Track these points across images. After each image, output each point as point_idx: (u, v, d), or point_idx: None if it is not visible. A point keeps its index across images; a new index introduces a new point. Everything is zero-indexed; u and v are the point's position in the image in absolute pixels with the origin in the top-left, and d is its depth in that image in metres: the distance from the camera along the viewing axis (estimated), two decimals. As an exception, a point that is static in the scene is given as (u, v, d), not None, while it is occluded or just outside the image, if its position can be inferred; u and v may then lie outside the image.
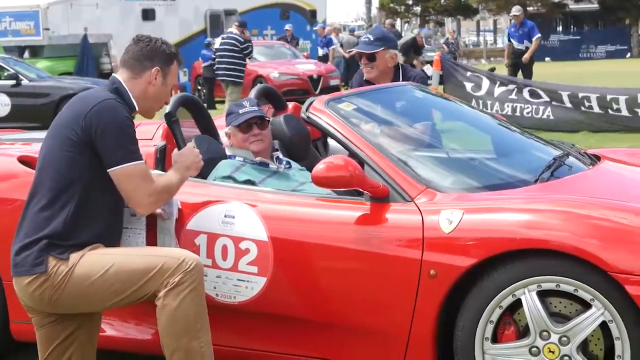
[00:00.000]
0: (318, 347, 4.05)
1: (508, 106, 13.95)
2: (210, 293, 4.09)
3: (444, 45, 33.60)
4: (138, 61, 3.92)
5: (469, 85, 14.28)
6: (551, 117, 13.59)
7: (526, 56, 16.09)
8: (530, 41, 16.20)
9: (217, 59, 16.04)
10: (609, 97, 13.32)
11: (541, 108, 13.73)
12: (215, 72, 16.33)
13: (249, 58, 16.54)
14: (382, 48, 5.78)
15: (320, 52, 26.41)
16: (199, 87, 23.94)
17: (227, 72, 15.68)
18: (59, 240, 3.72)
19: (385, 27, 27.27)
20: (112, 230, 3.92)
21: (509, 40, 16.83)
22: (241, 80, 15.82)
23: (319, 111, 4.32)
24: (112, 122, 3.70)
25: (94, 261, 3.71)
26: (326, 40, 26.20)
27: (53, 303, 3.74)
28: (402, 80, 5.77)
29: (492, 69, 18.63)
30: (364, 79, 5.93)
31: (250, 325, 4.17)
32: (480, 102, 13.98)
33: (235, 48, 15.65)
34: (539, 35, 16.65)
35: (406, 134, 4.63)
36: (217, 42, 16.42)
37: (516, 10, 16.69)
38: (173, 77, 4.01)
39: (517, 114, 13.76)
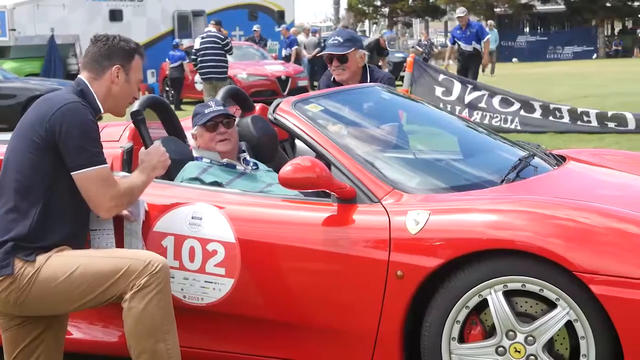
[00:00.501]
0: (286, 348, 4.05)
1: (477, 114, 13.95)
2: (178, 295, 4.09)
3: (416, 46, 33.46)
4: (97, 62, 3.90)
5: (439, 90, 14.26)
6: (518, 127, 13.62)
7: (484, 61, 16.03)
8: (479, 42, 16.09)
9: (199, 59, 16.24)
10: (579, 110, 13.38)
11: (509, 118, 13.75)
12: (199, 71, 16.53)
13: (230, 54, 16.74)
14: (353, 49, 5.78)
15: (284, 52, 26.49)
16: (167, 89, 23.84)
17: (212, 70, 15.98)
18: (26, 243, 3.70)
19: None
20: (79, 232, 3.90)
21: (453, 43, 16.63)
22: (226, 76, 16.19)
23: (286, 112, 4.32)
24: (76, 126, 3.68)
25: (60, 263, 3.69)
26: (289, 40, 26.28)
27: (19, 305, 3.72)
28: (370, 82, 5.77)
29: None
30: (332, 80, 5.92)
31: (218, 327, 4.16)
32: (449, 106, 13.97)
33: (217, 45, 15.96)
34: (489, 35, 16.62)
35: (373, 135, 4.64)
36: (197, 43, 16.62)
37: (460, 11, 16.52)
38: (136, 73, 3.98)
39: (486, 122, 13.78)
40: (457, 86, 14.26)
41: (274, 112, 4.34)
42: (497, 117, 13.82)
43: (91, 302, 3.71)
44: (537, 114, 13.57)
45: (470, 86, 14.26)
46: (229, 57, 19.20)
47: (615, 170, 4.86)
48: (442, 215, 3.76)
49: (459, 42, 16.28)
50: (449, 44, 17.34)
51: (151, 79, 24.65)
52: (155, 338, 3.65)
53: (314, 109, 4.43)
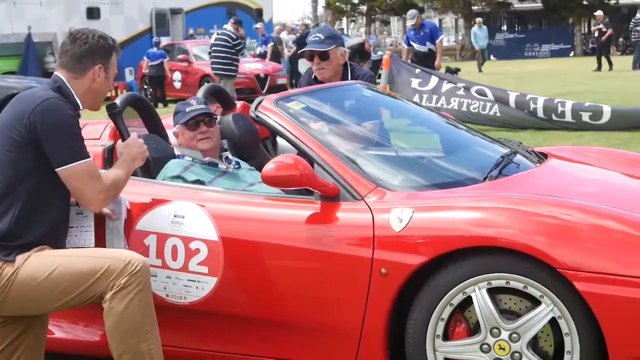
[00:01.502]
0: (269, 346, 4.03)
1: (454, 101, 13.87)
2: (160, 294, 4.07)
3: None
4: (78, 62, 3.85)
5: (415, 81, 14.23)
6: (498, 114, 13.63)
7: (437, 63, 15.72)
8: (433, 42, 15.85)
9: (211, 54, 16.87)
10: (556, 100, 13.42)
11: (488, 105, 13.73)
12: (211, 65, 17.15)
13: (241, 54, 17.44)
14: (334, 46, 5.76)
15: (259, 50, 26.58)
16: (145, 87, 23.79)
17: (220, 67, 16.51)
18: (5, 242, 3.67)
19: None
20: (59, 231, 3.87)
21: (408, 44, 16.27)
22: (234, 74, 16.80)
23: (268, 110, 4.30)
24: (57, 121, 3.66)
25: (40, 263, 3.67)
26: (265, 38, 26.42)
27: (-2, 305, 3.69)
28: (351, 79, 5.76)
29: (457, 70, 18.45)
30: (313, 78, 5.90)
31: (201, 326, 4.15)
32: (425, 96, 13.92)
33: (227, 44, 16.47)
34: (442, 36, 16.47)
35: (355, 132, 4.62)
36: (213, 38, 17.41)
37: (410, 16, 16.24)
38: (113, 67, 3.96)
39: (464, 109, 13.70)
40: (433, 79, 14.25)
41: (256, 109, 4.32)
42: (475, 103, 13.77)
43: (71, 302, 3.68)
44: (513, 105, 13.57)
45: (446, 80, 14.26)
46: (206, 55, 19.39)
47: (596, 167, 4.87)
48: (425, 212, 3.76)
49: (414, 44, 16.09)
50: (404, 45, 17.10)
51: (129, 77, 24.58)
52: (136, 338, 3.63)
53: (296, 107, 4.42)
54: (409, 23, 16.41)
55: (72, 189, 3.74)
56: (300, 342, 3.97)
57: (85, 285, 3.64)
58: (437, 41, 15.88)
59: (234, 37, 16.58)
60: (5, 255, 3.66)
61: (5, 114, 3.79)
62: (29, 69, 23.17)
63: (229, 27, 16.84)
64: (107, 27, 25.74)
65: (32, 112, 3.65)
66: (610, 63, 28.69)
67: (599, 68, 28.55)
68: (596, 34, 30.06)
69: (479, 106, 13.73)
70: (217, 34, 17.00)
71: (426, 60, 15.73)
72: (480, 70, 30.22)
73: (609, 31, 29.13)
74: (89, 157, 3.75)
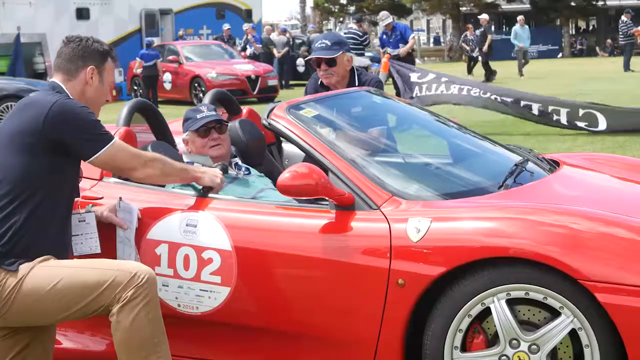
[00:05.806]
0: (284, 357, 4.00)
1: (454, 87, 13.72)
2: (172, 303, 4.03)
3: (462, 43, 29.85)
4: (71, 62, 3.86)
5: (414, 75, 14.08)
6: (498, 100, 13.41)
7: (402, 51, 15.68)
8: (406, 44, 15.92)
9: None
10: (550, 108, 13.31)
11: (489, 92, 13.62)
12: None
13: (367, 49, 18.99)
14: (341, 52, 5.71)
15: (249, 50, 26.67)
16: (135, 88, 23.71)
17: None
18: (7, 250, 3.61)
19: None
20: (64, 242, 3.83)
21: (383, 47, 16.37)
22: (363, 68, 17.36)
23: (281, 118, 4.25)
24: (77, 117, 3.68)
25: (44, 274, 3.62)
26: (255, 38, 26.66)
27: (1, 316, 3.65)
28: (358, 85, 5.72)
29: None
30: (319, 84, 5.85)
31: (213, 336, 4.11)
32: (425, 86, 13.72)
33: (356, 41, 17.12)
34: (414, 34, 16.37)
35: (369, 140, 4.58)
36: None
37: (383, 16, 16.32)
38: (109, 75, 3.97)
39: (464, 93, 13.45)
40: (430, 75, 14.18)
41: (268, 117, 4.27)
42: (476, 90, 13.66)
43: (76, 314, 3.65)
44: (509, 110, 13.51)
45: (445, 79, 14.23)
46: (196, 57, 19.53)
47: (608, 175, 4.83)
48: (443, 222, 3.72)
49: (387, 48, 15.99)
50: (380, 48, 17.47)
51: (119, 78, 24.47)
52: (145, 351, 3.60)
53: (308, 114, 4.37)
54: (382, 24, 16.58)
55: (112, 169, 3.98)
56: (314, 353, 3.93)
57: (90, 297, 3.59)
58: (409, 38, 16.09)
59: (360, 34, 17.52)
60: (8, 265, 3.61)
61: (12, 122, 3.74)
62: (18, 70, 23.05)
63: (353, 25, 17.85)
64: (97, 27, 25.75)
65: (47, 116, 3.63)
66: (490, 72, 26.24)
67: (489, 78, 25.92)
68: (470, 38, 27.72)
69: (479, 91, 13.64)
70: (344, 33, 17.89)
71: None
72: (521, 74, 27.62)
73: (489, 38, 27.28)
74: (113, 137, 3.81)
